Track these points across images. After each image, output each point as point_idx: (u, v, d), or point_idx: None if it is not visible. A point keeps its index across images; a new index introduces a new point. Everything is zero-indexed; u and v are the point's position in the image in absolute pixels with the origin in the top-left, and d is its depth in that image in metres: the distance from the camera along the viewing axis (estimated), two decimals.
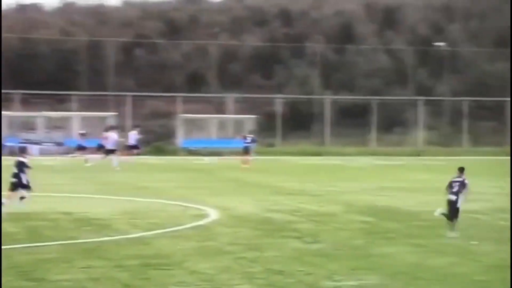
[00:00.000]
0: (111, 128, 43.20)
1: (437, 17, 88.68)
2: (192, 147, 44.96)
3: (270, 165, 38.91)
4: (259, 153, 46.34)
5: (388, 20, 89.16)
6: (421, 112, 64.46)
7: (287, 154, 53.54)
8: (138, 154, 42.72)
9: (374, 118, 63.35)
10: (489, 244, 15.02)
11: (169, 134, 60.69)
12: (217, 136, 59.03)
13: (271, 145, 60.17)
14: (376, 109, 64.40)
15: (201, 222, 18.10)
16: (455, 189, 15.92)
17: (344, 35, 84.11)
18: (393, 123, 69.44)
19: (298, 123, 65.98)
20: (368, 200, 23.51)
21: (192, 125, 59.59)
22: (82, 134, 44.33)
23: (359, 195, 24.99)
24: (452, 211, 15.94)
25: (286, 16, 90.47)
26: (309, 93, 71.91)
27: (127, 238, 15.70)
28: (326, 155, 55.37)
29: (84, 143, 42.74)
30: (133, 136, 42.79)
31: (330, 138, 63.62)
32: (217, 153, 53.34)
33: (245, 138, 42.81)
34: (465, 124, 63.82)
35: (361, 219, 18.95)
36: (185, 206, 21.20)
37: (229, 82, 77.14)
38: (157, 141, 59.03)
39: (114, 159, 37.91)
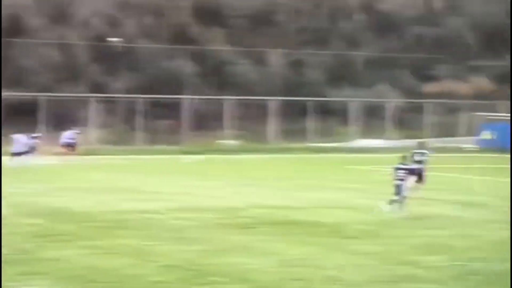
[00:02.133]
0: None
1: (112, 12, 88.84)
2: None
3: None
4: None
5: (60, 13, 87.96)
6: (94, 110, 63.92)
7: None
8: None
9: (43, 116, 61.65)
10: (165, 244, 14.96)
11: None
12: None
13: None
14: (46, 107, 62.90)
15: None
16: None
17: (12, 28, 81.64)
18: (65, 122, 68.34)
19: None
20: (39, 201, 22.52)
21: None
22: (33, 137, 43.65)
23: (28, 197, 23.80)
24: None
25: None
26: None
27: None
28: None
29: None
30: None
31: None
32: None
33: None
34: (140, 122, 64.27)
35: (31, 221, 18.02)
36: None
37: None
38: None
39: None
